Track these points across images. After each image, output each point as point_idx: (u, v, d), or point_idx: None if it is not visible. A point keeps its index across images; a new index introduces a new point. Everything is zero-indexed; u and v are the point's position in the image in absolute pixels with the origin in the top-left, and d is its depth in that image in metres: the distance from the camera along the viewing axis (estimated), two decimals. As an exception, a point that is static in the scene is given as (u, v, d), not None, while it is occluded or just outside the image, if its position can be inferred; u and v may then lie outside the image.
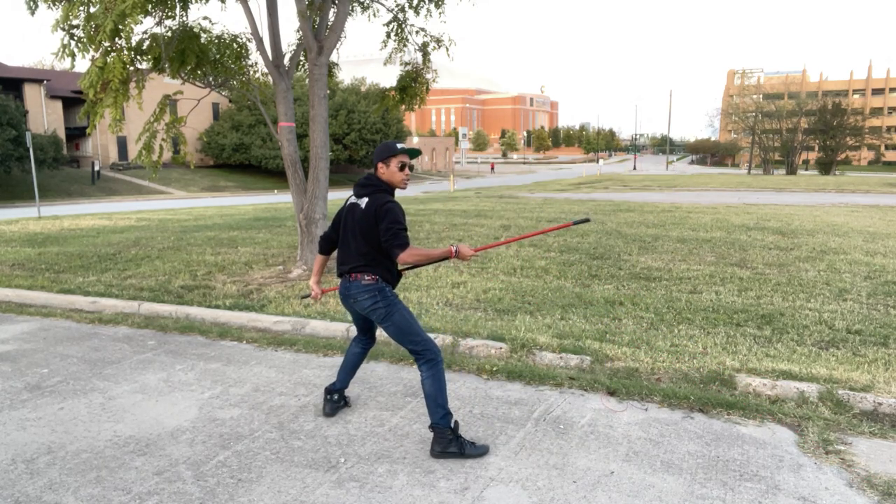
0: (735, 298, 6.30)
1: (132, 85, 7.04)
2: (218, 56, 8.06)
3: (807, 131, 60.26)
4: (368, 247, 3.36)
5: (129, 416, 3.88)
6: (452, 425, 3.31)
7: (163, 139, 7.81)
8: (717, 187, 29.27)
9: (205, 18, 7.86)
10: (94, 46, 6.31)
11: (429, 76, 9.39)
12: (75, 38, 6.49)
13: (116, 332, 5.77)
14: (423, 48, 9.27)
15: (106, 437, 3.61)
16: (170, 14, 7.31)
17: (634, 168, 74.06)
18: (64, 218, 16.82)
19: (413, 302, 6.27)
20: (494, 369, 4.49)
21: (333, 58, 8.42)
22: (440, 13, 9.20)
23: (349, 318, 5.75)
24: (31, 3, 7.06)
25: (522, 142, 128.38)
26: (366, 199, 3.40)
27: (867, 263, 8.09)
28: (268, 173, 45.09)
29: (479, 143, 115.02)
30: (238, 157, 45.10)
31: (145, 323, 5.97)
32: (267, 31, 7.85)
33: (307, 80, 7.98)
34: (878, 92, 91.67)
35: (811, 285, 6.86)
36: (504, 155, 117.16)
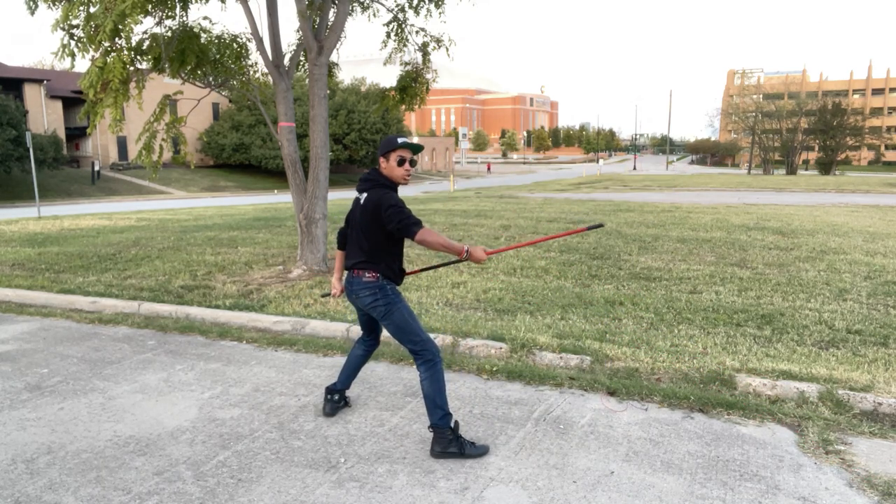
0: (735, 298, 6.30)
1: (132, 85, 7.04)
2: (218, 56, 8.06)
3: (807, 131, 60.25)
4: (369, 243, 3.35)
5: (129, 416, 3.88)
6: (452, 425, 3.31)
7: (163, 139, 7.81)
8: (717, 187, 29.26)
9: (205, 18, 7.86)
10: (94, 46, 6.31)
11: (429, 76, 9.39)
12: (75, 38, 6.49)
13: (116, 332, 5.77)
14: (423, 48, 9.27)
15: (106, 437, 3.61)
16: (170, 14, 7.31)
17: (634, 168, 74.06)
18: (64, 218, 16.82)
19: (413, 302, 6.27)
20: (494, 369, 4.49)
21: (333, 58, 8.42)
22: (440, 13, 9.20)
23: (349, 317, 5.75)
24: (31, 3, 7.06)
25: (522, 142, 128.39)
26: (365, 195, 3.39)
27: (867, 263, 8.09)
28: (268, 173, 45.10)
29: (479, 143, 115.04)
30: (238, 157, 45.11)
31: (145, 323, 5.97)
32: (267, 31, 7.85)
33: (307, 80, 7.98)
34: (878, 92, 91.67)
35: (811, 285, 6.86)
36: (504, 155, 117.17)
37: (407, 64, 9.33)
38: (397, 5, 9.10)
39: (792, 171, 58.03)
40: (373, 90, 46.81)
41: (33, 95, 39.60)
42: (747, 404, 3.85)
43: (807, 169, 67.11)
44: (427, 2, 9.03)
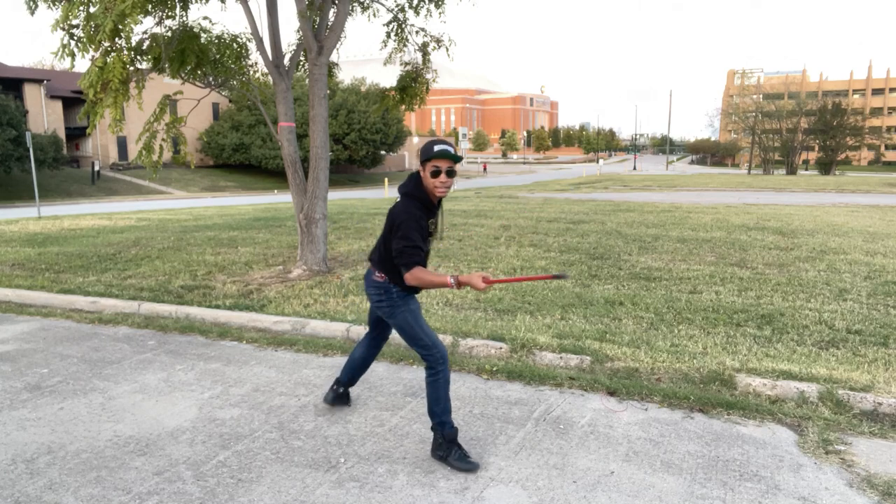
0: (735, 298, 6.30)
1: (132, 85, 7.04)
2: (218, 56, 8.06)
3: (807, 131, 60.26)
4: (385, 249, 3.27)
5: (129, 416, 3.88)
6: (444, 434, 3.27)
7: (163, 139, 7.80)
8: (717, 187, 29.26)
9: (205, 18, 7.85)
10: (94, 46, 6.31)
11: (429, 76, 9.39)
12: (75, 37, 6.49)
13: (116, 332, 5.77)
14: (423, 48, 9.27)
15: (106, 437, 3.61)
16: (170, 14, 7.31)
17: (634, 168, 74.05)
18: (64, 218, 16.82)
19: (413, 302, 6.26)
20: (494, 369, 4.49)
21: (333, 58, 8.42)
22: (440, 13, 9.20)
23: (349, 317, 5.76)
24: (31, 3, 7.07)
25: (522, 142, 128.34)
26: (397, 201, 3.26)
27: (867, 263, 8.09)
28: (268, 173, 45.12)
29: (479, 143, 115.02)
30: (238, 157, 45.12)
31: (145, 323, 5.97)
32: (267, 31, 7.85)
33: (307, 80, 7.97)
34: (878, 92, 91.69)
35: (811, 285, 6.86)
36: (504, 155, 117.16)
37: (407, 64, 9.33)
38: (397, 5, 9.10)
39: (792, 171, 58.03)
40: (373, 90, 46.80)
41: (33, 95, 39.61)
42: (747, 404, 3.85)
43: (807, 169, 67.11)
44: (427, 2, 9.03)
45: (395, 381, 4.43)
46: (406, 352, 4.94)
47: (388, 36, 9.27)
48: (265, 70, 8.37)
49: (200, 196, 34.85)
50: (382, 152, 48.38)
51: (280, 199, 25.82)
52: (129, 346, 5.32)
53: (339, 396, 3.93)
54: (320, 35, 7.80)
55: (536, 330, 5.24)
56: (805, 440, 3.46)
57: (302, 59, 8.58)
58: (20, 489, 3.05)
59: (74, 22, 6.44)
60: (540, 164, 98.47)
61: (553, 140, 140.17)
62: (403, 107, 9.60)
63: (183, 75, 7.76)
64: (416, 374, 4.52)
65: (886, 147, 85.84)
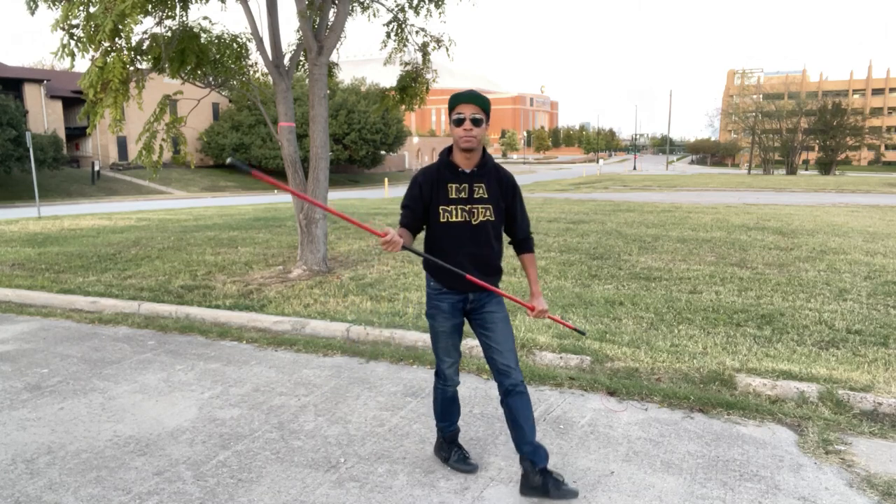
0: (735, 298, 6.30)
1: (132, 85, 7.04)
2: (218, 56, 8.06)
3: (807, 131, 60.25)
4: None
5: (129, 416, 3.88)
6: (444, 436, 3.24)
7: (163, 139, 7.81)
8: (717, 187, 29.26)
9: (205, 18, 7.86)
10: (94, 46, 6.31)
11: (429, 76, 9.39)
12: (75, 37, 6.49)
13: (116, 332, 5.77)
14: (423, 48, 9.27)
15: (106, 437, 3.61)
16: (170, 14, 7.31)
17: (634, 168, 74.04)
18: (64, 218, 16.82)
19: (413, 302, 6.26)
20: (494, 369, 4.49)
21: (333, 58, 8.42)
22: (440, 13, 9.20)
23: (349, 317, 5.75)
24: (31, 3, 7.07)
25: (522, 142, 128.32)
26: None
27: (867, 263, 8.09)
28: (268, 173, 45.06)
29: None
30: (238, 157, 45.09)
31: (145, 323, 5.97)
32: (267, 31, 7.85)
33: (307, 80, 7.97)
34: (878, 92, 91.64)
35: (811, 285, 6.86)
36: (504, 155, 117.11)
37: (407, 64, 9.33)
38: (397, 5, 9.10)
39: (792, 171, 58.03)
40: (373, 90, 46.80)
41: (33, 95, 39.59)
42: (747, 404, 3.85)
43: (807, 169, 67.10)
44: (427, 2, 9.03)
45: (395, 381, 4.43)
46: (406, 352, 4.94)
47: (388, 36, 9.27)
48: (265, 70, 8.37)
49: (200, 196, 34.84)
50: (382, 152, 48.38)
51: (280, 199, 25.81)
52: (129, 346, 5.32)
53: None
54: (320, 35, 7.80)
55: (536, 330, 5.24)
56: (805, 440, 3.46)
57: (302, 59, 8.58)
58: (20, 489, 3.05)
59: (74, 22, 6.44)
60: (540, 164, 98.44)
61: (553, 140, 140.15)
62: (403, 107, 9.60)
63: (183, 75, 7.76)
64: (416, 374, 4.52)
65: (886, 147, 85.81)
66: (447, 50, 9.30)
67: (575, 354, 4.62)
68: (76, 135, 42.93)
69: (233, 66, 8.30)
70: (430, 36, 9.26)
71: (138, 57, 7.21)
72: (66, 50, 6.45)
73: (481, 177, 2.83)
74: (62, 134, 39.95)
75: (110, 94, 6.56)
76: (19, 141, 29.89)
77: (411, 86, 9.31)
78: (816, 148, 63.81)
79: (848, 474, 3.11)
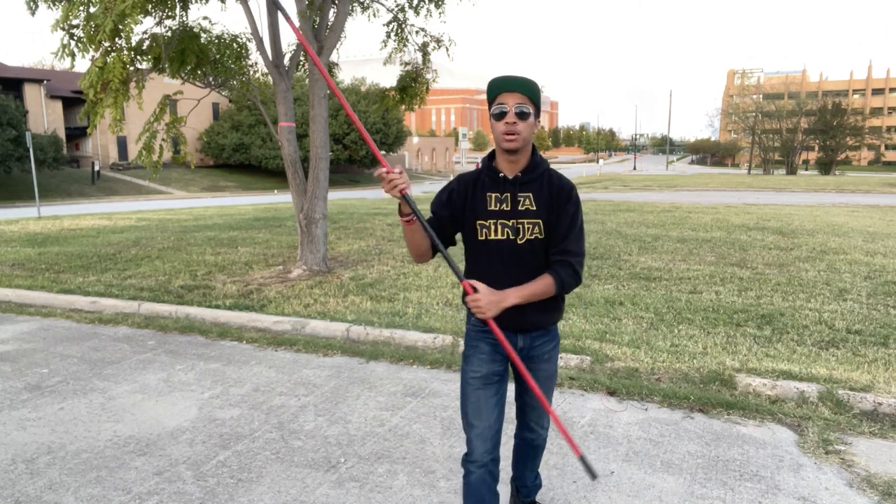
0: (735, 298, 6.30)
1: (132, 85, 7.04)
2: (218, 56, 8.06)
3: (807, 131, 60.26)
4: None
5: (129, 416, 3.88)
6: None
7: (163, 139, 7.81)
8: (717, 187, 29.26)
9: (205, 18, 7.86)
10: (94, 46, 6.31)
11: (429, 76, 9.39)
12: (75, 38, 6.49)
13: (116, 332, 5.77)
14: (423, 48, 9.27)
15: (106, 437, 3.61)
16: (170, 14, 7.31)
17: (634, 168, 74.03)
18: (64, 218, 16.82)
19: (413, 302, 6.26)
20: (494, 369, 4.49)
21: (333, 58, 8.42)
22: (440, 13, 9.21)
23: (349, 317, 5.75)
24: (31, 3, 7.07)
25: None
26: None
27: (867, 263, 8.09)
28: (268, 173, 45.07)
29: (480, 143, 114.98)
30: (238, 157, 45.08)
31: (145, 323, 5.97)
32: (267, 31, 7.85)
33: (307, 80, 7.97)
34: (878, 92, 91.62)
35: (811, 285, 6.86)
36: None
37: (407, 64, 9.33)
38: (397, 5, 9.11)
39: (792, 171, 58.03)
40: (373, 90, 46.80)
41: (33, 95, 39.58)
42: (747, 404, 3.85)
43: (807, 169, 67.10)
44: (427, 2, 9.04)
45: (396, 381, 4.43)
46: (406, 352, 4.94)
47: (388, 36, 9.27)
48: (265, 70, 8.37)
49: (200, 196, 34.83)
50: (382, 152, 48.39)
51: (280, 199, 25.81)
52: (129, 346, 5.32)
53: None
54: (320, 35, 7.80)
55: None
56: (805, 440, 3.46)
57: (302, 59, 8.58)
58: (20, 489, 3.05)
59: (74, 22, 6.44)
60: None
61: (553, 140, 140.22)
62: (403, 107, 9.60)
63: (183, 75, 7.76)
64: (416, 374, 4.52)
65: (886, 147, 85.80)
66: (447, 50, 9.31)
67: (575, 354, 4.62)
68: (76, 135, 42.92)
69: (233, 66, 8.30)
70: (430, 36, 9.27)
71: (138, 57, 7.21)
72: (66, 50, 6.45)
73: (528, 184, 2.21)
74: (62, 134, 39.94)
75: (110, 94, 6.56)
76: (19, 141, 29.88)
77: (411, 86, 9.31)
78: (816, 148, 63.82)
79: (848, 474, 3.11)
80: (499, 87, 2.15)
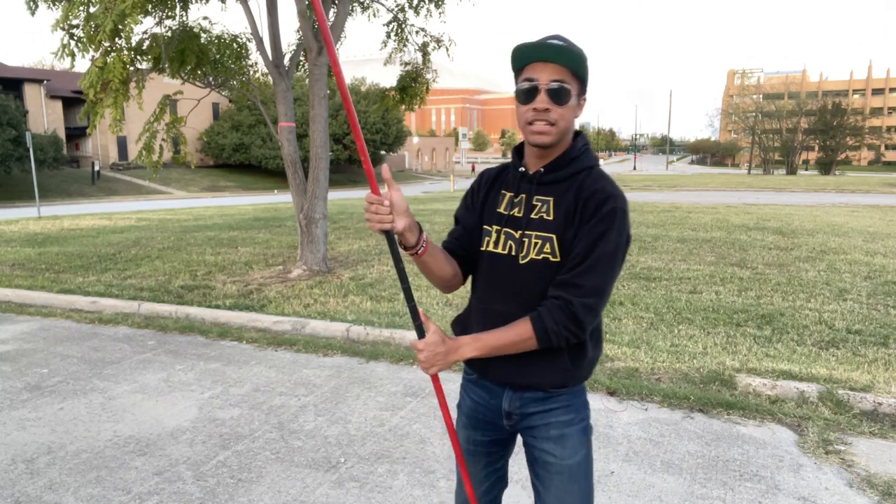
0: (735, 298, 6.30)
1: (132, 85, 7.05)
2: (218, 56, 8.07)
3: (807, 131, 60.31)
4: None
5: (129, 416, 3.88)
6: None
7: (163, 139, 7.81)
8: (717, 187, 29.26)
9: (205, 18, 7.87)
10: (94, 46, 6.31)
11: (429, 76, 9.40)
12: (75, 38, 6.49)
13: (116, 332, 5.77)
14: (423, 48, 9.27)
15: (106, 437, 3.61)
16: (170, 14, 7.32)
17: (634, 168, 74.04)
18: (64, 218, 16.81)
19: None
20: (494, 369, 4.49)
21: (333, 58, 8.41)
22: (440, 13, 9.22)
23: (349, 317, 5.75)
24: (31, 3, 7.07)
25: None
26: None
27: (867, 263, 8.09)
28: (268, 173, 45.07)
29: (480, 144, 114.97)
30: (238, 157, 45.09)
31: (145, 323, 5.97)
32: (267, 31, 7.85)
33: (307, 80, 7.98)
34: (878, 92, 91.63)
35: (811, 285, 6.86)
36: (504, 155, 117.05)
37: (407, 64, 9.34)
38: (397, 5, 9.11)
39: (792, 171, 58.06)
40: (373, 90, 46.80)
41: (33, 95, 39.57)
42: (747, 404, 3.85)
43: (807, 169, 67.11)
44: (427, 2, 9.04)
45: (395, 381, 4.43)
46: (406, 352, 4.94)
47: (388, 36, 9.28)
48: (265, 70, 8.37)
49: (200, 196, 34.83)
50: (382, 152, 48.37)
51: (280, 199, 25.81)
52: (129, 346, 5.32)
53: None
54: (320, 35, 7.80)
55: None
56: (805, 440, 3.46)
57: (302, 59, 8.58)
58: (20, 489, 3.05)
59: (74, 22, 6.44)
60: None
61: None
62: (403, 107, 9.61)
63: (183, 75, 7.77)
64: (416, 374, 4.52)
65: (886, 147, 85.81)
66: (447, 50, 9.31)
67: (575, 354, 4.61)
68: (76, 135, 42.91)
69: (233, 66, 8.31)
70: (430, 36, 9.28)
71: (138, 57, 7.22)
72: (66, 50, 6.45)
73: (551, 186, 1.64)
74: (62, 134, 39.94)
75: (110, 94, 6.57)
76: (19, 141, 29.88)
77: (411, 86, 9.32)
78: (816, 148, 63.86)
79: (848, 474, 3.11)
80: (527, 56, 1.56)
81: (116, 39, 6.36)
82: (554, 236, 1.60)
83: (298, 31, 8.09)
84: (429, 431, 3.60)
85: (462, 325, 1.78)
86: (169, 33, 7.35)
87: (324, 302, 6.33)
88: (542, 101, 1.54)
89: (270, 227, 12.82)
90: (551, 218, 1.61)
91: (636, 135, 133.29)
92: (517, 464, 3.25)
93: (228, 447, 3.46)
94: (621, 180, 36.95)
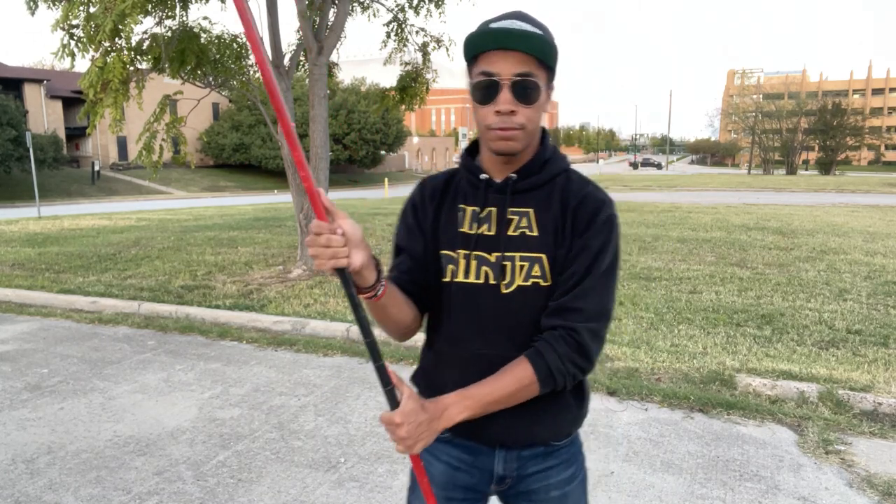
0: (735, 298, 6.30)
1: (132, 85, 7.04)
2: (218, 56, 8.06)
3: (807, 131, 60.31)
4: None
5: (129, 416, 3.88)
6: None
7: (163, 139, 7.81)
8: (717, 187, 29.27)
9: (205, 18, 7.87)
10: (94, 46, 6.31)
11: (429, 76, 9.39)
12: (75, 38, 6.49)
13: (116, 332, 5.77)
14: (423, 48, 9.27)
15: (106, 437, 3.61)
16: (170, 14, 7.31)
17: (635, 168, 74.01)
18: (64, 218, 16.81)
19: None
20: (494, 369, 4.49)
21: (333, 58, 8.42)
22: (440, 13, 9.21)
23: (349, 317, 5.74)
24: (31, 3, 7.07)
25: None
26: None
27: (867, 263, 8.09)
28: (268, 173, 45.08)
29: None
30: (238, 157, 45.10)
31: (145, 323, 5.97)
32: (267, 31, 7.85)
33: (307, 80, 7.97)
34: (878, 92, 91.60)
35: (811, 285, 6.86)
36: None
37: (407, 64, 9.33)
38: (397, 5, 9.10)
39: (792, 171, 58.07)
40: (373, 90, 46.77)
41: (33, 95, 39.57)
42: (747, 404, 3.85)
43: (807, 169, 67.11)
44: (427, 2, 9.04)
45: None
46: (406, 352, 4.94)
47: (388, 36, 9.27)
48: (265, 70, 8.36)
49: (200, 196, 34.83)
50: (382, 152, 48.38)
51: (280, 199, 25.80)
52: (129, 346, 5.32)
53: None
54: (320, 35, 7.80)
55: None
56: (805, 440, 3.46)
57: (302, 59, 8.58)
58: (20, 489, 3.05)
59: (74, 22, 6.44)
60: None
61: (553, 140, 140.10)
62: (403, 107, 9.60)
63: (183, 75, 7.76)
64: (416, 374, 4.51)
65: (886, 147, 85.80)
66: (447, 50, 9.31)
67: (575, 354, 4.61)
68: (76, 135, 42.90)
69: (233, 66, 8.30)
70: (430, 36, 9.27)
71: (138, 57, 7.21)
72: (66, 50, 6.45)
73: (528, 193, 1.36)
74: (62, 134, 39.94)
75: (110, 94, 6.56)
76: (19, 141, 29.88)
77: (411, 86, 9.31)
78: (816, 148, 63.86)
79: (848, 474, 3.11)
80: (481, 43, 1.24)
81: (116, 39, 6.36)
82: (543, 256, 1.32)
83: (298, 31, 8.09)
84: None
85: (428, 380, 1.44)
86: (169, 33, 7.35)
87: (324, 302, 6.33)
88: (505, 100, 1.23)
89: (270, 227, 12.82)
90: (535, 234, 1.32)
91: (636, 135, 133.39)
92: None
93: (228, 447, 3.46)
94: (621, 180, 36.95)
